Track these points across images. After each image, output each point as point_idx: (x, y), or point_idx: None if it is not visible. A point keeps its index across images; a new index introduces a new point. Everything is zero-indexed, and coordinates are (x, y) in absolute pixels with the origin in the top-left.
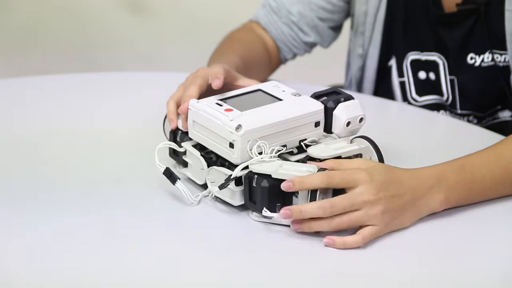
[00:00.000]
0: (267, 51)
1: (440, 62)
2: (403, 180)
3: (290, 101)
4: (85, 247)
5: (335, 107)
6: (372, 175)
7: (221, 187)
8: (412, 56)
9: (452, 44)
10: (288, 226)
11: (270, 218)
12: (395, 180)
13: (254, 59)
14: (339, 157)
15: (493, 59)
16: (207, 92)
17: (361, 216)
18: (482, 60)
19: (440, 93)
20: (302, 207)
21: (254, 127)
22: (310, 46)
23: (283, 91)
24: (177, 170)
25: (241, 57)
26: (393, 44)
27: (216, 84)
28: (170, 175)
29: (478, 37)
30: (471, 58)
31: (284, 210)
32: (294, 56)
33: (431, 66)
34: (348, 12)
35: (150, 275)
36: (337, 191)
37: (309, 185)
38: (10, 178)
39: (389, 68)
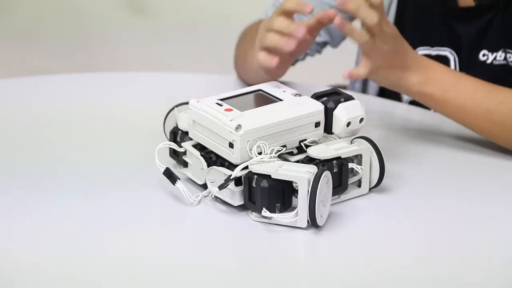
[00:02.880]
0: None
1: (451, 58)
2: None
3: (290, 101)
4: (84, 247)
5: (335, 107)
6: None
7: (221, 187)
8: (421, 51)
9: (465, 39)
10: (288, 226)
11: (270, 218)
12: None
13: None
14: (339, 158)
15: (505, 58)
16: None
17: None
18: (495, 58)
19: None
20: None
21: (254, 127)
22: (321, 46)
23: (284, 91)
24: (177, 170)
25: None
26: None
27: (309, 9)
28: (170, 175)
29: (493, 34)
30: (484, 55)
31: None
32: (305, 57)
33: (441, 61)
34: None
35: (149, 275)
36: (336, 191)
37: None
38: (10, 178)
39: None
